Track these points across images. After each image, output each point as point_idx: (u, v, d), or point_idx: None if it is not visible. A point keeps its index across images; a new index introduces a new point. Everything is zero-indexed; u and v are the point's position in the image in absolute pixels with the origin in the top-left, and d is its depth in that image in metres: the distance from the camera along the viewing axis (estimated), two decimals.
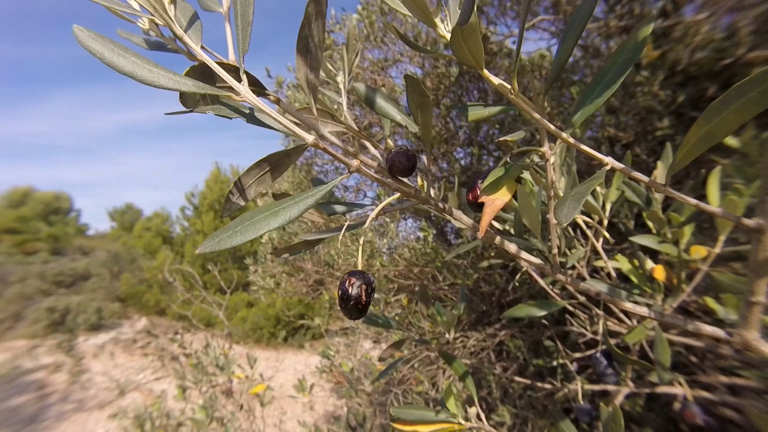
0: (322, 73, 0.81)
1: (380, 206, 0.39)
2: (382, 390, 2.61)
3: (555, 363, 1.09)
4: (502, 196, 0.34)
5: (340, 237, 0.42)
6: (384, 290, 3.15)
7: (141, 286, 11.22)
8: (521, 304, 0.65)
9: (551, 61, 2.77)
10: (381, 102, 0.47)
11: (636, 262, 0.78)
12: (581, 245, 1.05)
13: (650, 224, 0.71)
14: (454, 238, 3.45)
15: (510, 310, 0.65)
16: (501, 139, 0.33)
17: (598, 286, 0.43)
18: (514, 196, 0.72)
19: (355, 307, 0.36)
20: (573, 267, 0.98)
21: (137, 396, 6.16)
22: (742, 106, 0.24)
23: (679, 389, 0.80)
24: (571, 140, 0.32)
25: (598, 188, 0.81)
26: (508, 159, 0.36)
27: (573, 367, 1.00)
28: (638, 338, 0.63)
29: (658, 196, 0.69)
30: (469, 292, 2.88)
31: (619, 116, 2.18)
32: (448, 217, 0.58)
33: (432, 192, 0.55)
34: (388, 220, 3.13)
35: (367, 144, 0.49)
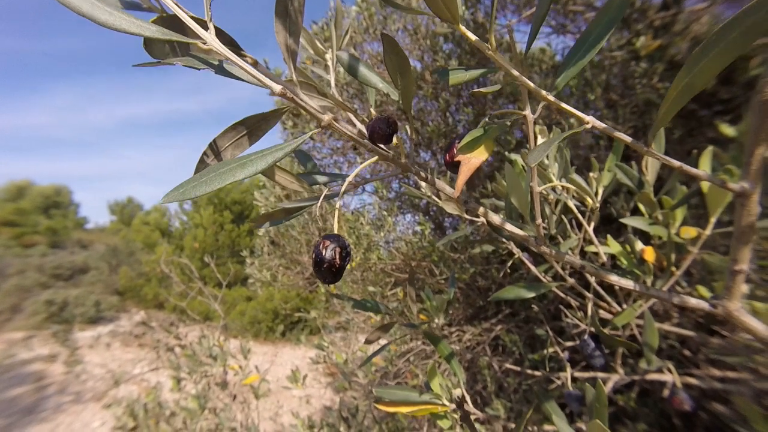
0: (311, 50, 0.79)
1: (357, 169, 0.38)
2: (378, 383, 2.61)
3: (546, 352, 1.08)
4: (479, 155, 0.33)
5: (318, 205, 0.41)
6: (381, 284, 3.15)
7: (139, 279, 11.23)
8: (510, 286, 0.64)
9: (551, 56, 2.75)
10: (364, 70, 0.46)
11: (628, 248, 0.77)
12: (574, 234, 1.04)
13: (642, 208, 0.70)
14: (452, 232, 3.43)
15: (499, 292, 0.64)
16: (475, 90, 0.32)
17: (582, 261, 0.42)
18: (492, 162, 0.71)
19: (328, 270, 0.35)
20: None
21: (135, 389, 6.18)
22: (723, 49, 0.23)
23: (669, 376, 0.80)
24: (552, 98, 0.31)
25: (590, 173, 0.80)
26: (487, 119, 0.35)
27: (565, 356, 0.99)
28: (627, 320, 0.62)
29: (650, 178, 0.68)
30: (466, 286, 2.87)
31: (618, 110, 2.17)
32: (425, 185, 0.57)
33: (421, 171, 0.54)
34: (385, 213, 3.12)
35: (351, 116, 0.48)
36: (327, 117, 0.34)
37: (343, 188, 0.37)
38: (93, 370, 7.13)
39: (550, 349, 1.06)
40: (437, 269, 2.92)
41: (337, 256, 0.35)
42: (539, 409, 0.64)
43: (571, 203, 0.75)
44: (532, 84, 0.31)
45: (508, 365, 1.46)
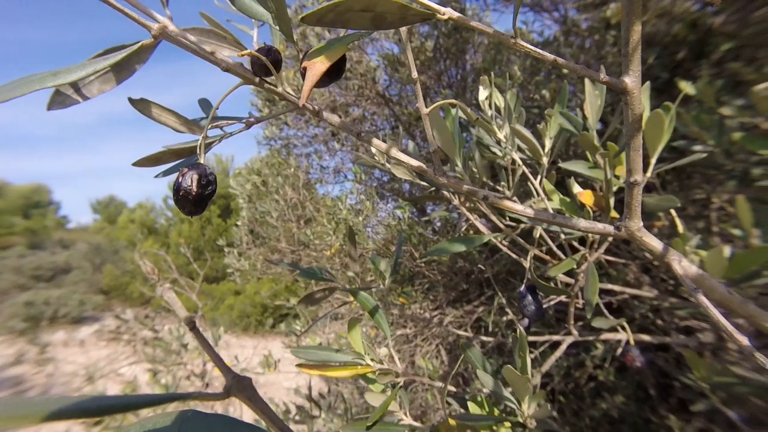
0: (233, 7, 0.74)
1: (222, 97, 0.33)
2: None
3: (504, 318, 1.06)
4: (322, 61, 0.30)
5: (201, 141, 0.36)
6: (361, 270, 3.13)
7: (125, 277, 11.03)
8: (444, 242, 0.61)
9: (527, 35, 2.70)
10: None
11: (569, 202, 0.74)
12: (536, 196, 1.02)
13: (588, 154, 0.67)
14: (436, 219, 3.41)
15: (431, 248, 0.61)
16: None
17: (484, 191, 0.38)
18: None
19: (185, 199, 0.32)
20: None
21: (118, 387, 6.10)
22: None
23: (623, 334, 0.78)
24: None
25: (538, 125, 0.78)
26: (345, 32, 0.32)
27: (524, 323, 0.98)
28: (564, 270, 0.59)
29: (591, 122, 0.65)
30: (447, 269, 2.86)
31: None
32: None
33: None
34: (363, 197, 3.08)
35: (231, 46, 0.43)
36: (158, 25, 0.30)
37: (210, 115, 0.33)
38: (78, 371, 7.01)
39: (492, 317, 1.05)
40: (417, 252, 2.89)
41: (194, 184, 0.32)
42: (464, 352, 0.62)
43: (516, 156, 0.72)
44: None
45: (457, 330, 1.46)
